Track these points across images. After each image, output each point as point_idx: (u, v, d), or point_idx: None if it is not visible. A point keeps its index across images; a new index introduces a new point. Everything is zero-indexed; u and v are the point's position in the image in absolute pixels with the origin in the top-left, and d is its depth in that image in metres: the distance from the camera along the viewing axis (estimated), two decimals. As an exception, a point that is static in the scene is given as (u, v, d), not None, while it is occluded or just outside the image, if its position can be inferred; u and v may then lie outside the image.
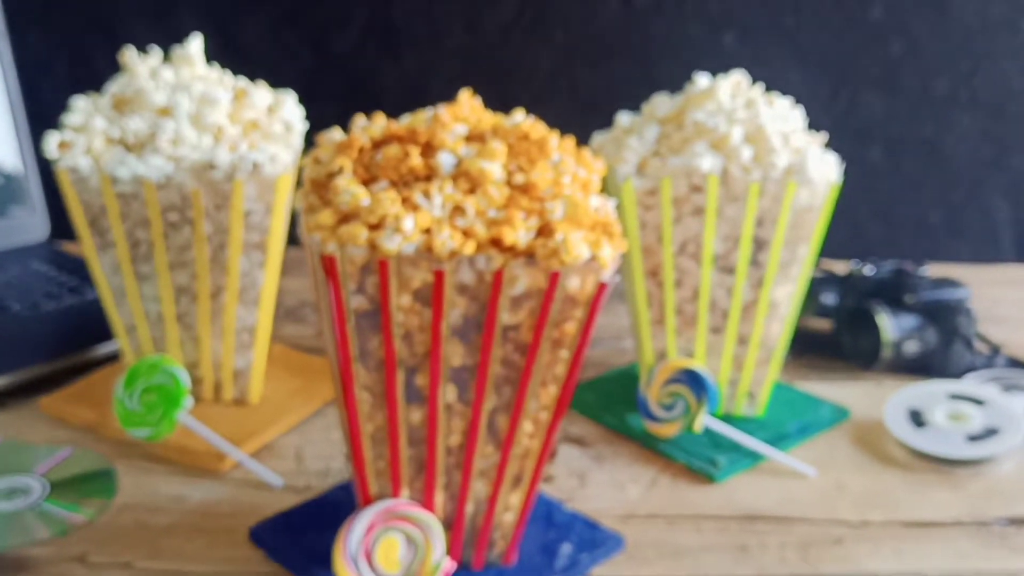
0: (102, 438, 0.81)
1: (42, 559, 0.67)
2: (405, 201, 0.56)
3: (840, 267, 1.04)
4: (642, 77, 1.20)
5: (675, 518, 0.74)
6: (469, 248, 0.55)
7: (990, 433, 0.82)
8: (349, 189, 0.56)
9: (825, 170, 0.77)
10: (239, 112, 0.75)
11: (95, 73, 1.15)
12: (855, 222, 1.27)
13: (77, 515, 0.71)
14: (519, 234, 0.56)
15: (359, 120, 0.63)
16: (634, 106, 0.86)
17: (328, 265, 0.55)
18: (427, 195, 0.56)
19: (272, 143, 0.75)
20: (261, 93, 0.78)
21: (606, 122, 0.86)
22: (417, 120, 0.60)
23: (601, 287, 0.57)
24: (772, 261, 0.78)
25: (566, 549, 0.68)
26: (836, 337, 1.02)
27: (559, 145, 0.60)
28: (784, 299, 0.81)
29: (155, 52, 0.76)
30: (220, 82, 0.77)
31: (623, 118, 0.85)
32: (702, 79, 0.81)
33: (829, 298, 1.04)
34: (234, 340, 0.80)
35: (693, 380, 0.80)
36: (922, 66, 1.20)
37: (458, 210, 0.56)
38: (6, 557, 0.66)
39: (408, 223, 0.55)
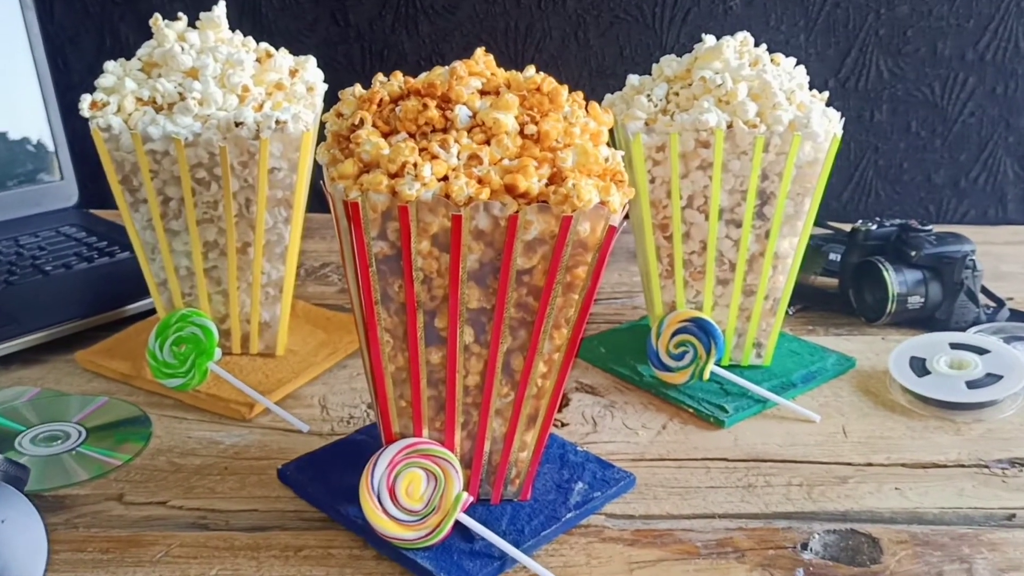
0: (136, 389, 0.84)
1: (81, 499, 0.70)
2: (423, 151, 0.59)
3: (847, 227, 1.06)
4: (652, 42, 1.22)
5: (684, 460, 0.77)
6: (485, 194, 0.58)
7: (992, 380, 0.84)
8: (370, 140, 0.59)
9: (827, 124, 0.79)
10: (263, 74, 0.78)
11: (120, 44, 1.19)
12: (861, 183, 1.29)
13: (114, 458, 0.75)
14: (532, 181, 0.59)
15: (379, 77, 0.66)
16: (643, 70, 0.88)
17: (352, 211, 0.58)
18: (444, 145, 0.59)
19: (295, 103, 0.78)
20: (283, 56, 0.81)
21: (618, 86, 0.89)
22: (434, 75, 0.63)
23: (610, 231, 0.60)
24: (777, 213, 0.81)
25: (579, 487, 0.71)
26: (842, 293, 1.05)
27: (569, 98, 0.63)
28: (789, 251, 0.84)
29: (182, 17, 0.80)
30: (244, 45, 0.80)
31: (633, 78, 0.88)
32: (709, 38, 0.83)
33: (835, 255, 1.06)
34: (260, 294, 0.83)
35: (701, 329, 0.83)
36: (929, 26, 1.22)
37: (474, 159, 0.59)
38: (48, 497, 0.70)
39: (427, 170, 0.58)
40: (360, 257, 0.60)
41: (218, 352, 0.80)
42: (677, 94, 0.82)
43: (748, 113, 0.78)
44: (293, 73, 0.80)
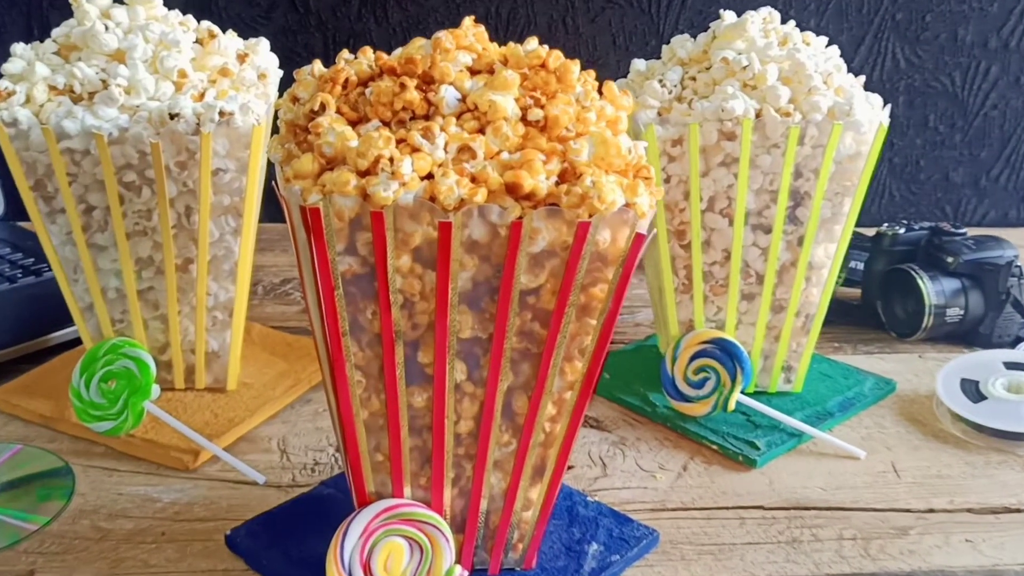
0: (59, 434, 0.71)
1: (-16, 576, 0.57)
2: (401, 143, 0.47)
3: (865, 231, 0.95)
4: (648, 29, 1.11)
5: (713, 510, 0.65)
6: (480, 196, 0.46)
7: (1057, 405, 0.73)
8: (334, 129, 0.47)
9: (871, 111, 0.68)
10: (205, 58, 0.66)
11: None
12: (874, 183, 1.18)
13: (28, 522, 0.62)
14: (539, 179, 0.47)
15: (344, 54, 0.54)
16: (644, 57, 0.77)
17: (311, 220, 0.46)
18: (428, 135, 0.47)
19: (244, 92, 0.66)
20: (231, 39, 0.68)
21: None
22: (413, 49, 0.51)
23: (637, 240, 0.48)
24: (813, 217, 0.70)
25: (594, 548, 0.59)
26: (867, 304, 0.93)
27: (581, 76, 0.51)
28: (825, 260, 0.72)
29: (106, -10, 0.67)
30: (183, 24, 0.67)
31: (638, 63, 0.76)
32: (728, 14, 0.72)
33: (857, 263, 0.95)
34: (206, 319, 0.70)
35: (724, 352, 0.71)
36: (950, 10, 1.11)
37: (465, 151, 0.47)
38: (-58, 575, 0.57)
39: (406, 167, 0.45)
40: (323, 277, 0.47)
41: (155, 389, 0.67)
42: (694, 79, 0.70)
43: (780, 99, 0.66)
44: (242, 58, 0.68)
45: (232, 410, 0.72)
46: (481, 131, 0.48)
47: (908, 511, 0.65)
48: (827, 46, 0.73)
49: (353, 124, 0.49)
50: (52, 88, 0.62)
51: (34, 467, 0.67)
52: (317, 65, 0.51)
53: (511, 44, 0.51)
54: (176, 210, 0.65)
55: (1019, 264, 0.88)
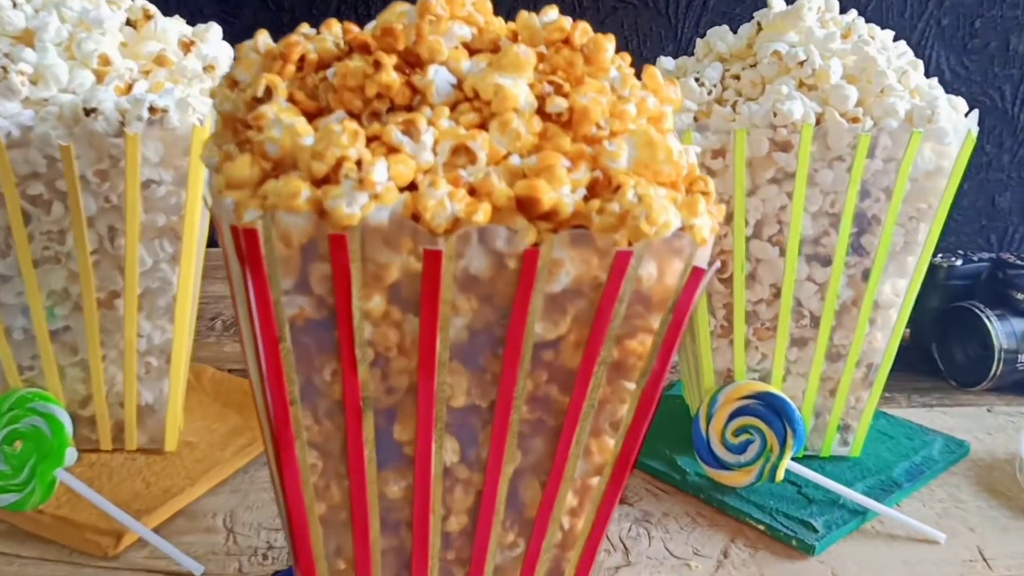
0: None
1: None
2: (374, 140, 0.34)
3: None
4: (665, 32, 0.98)
5: (765, 611, 0.52)
6: (481, 215, 0.33)
7: None
8: (280, 120, 0.34)
9: (956, 118, 0.55)
10: (138, 44, 0.53)
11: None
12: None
13: None
14: (562, 191, 0.34)
15: (302, 28, 0.41)
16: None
17: (246, 245, 0.33)
18: (410, 130, 0.34)
19: (186, 85, 0.53)
20: (174, 22, 0.56)
21: None
22: (392, 16, 0.38)
23: (695, 276, 0.35)
24: (882, 246, 0.57)
25: (621, 672, 0.46)
26: (920, 346, 0.81)
27: (615, 58, 0.38)
28: (894, 299, 0.59)
29: (14, -43, 0.54)
30: (112, 2, 0.54)
31: (665, 61, 0.63)
32: (777, 2, 0.59)
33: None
34: (138, 366, 0.57)
35: (771, 410, 0.59)
36: (1001, 16, 1.00)
37: (462, 153, 0.34)
38: None
39: (378, 173, 0.33)
40: (263, 325, 0.34)
41: (71, 454, 0.54)
42: (737, 77, 0.58)
43: (847, 101, 0.54)
44: (186, 46, 0.55)
45: (169, 477, 0.59)
46: (483, 126, 0.36)
47: (1007, 614, 0.52)
48: (894, 40, 0.61)
49: (310, 116, 0.36)
50: (-64, 77, 0.49)
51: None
52: (262, 38, 0.38)
53: (523, 13, 0.38)
54: (96, 232, 0.52)
55: (1102, 303, 0.75)
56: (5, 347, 0.55)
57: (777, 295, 0.59)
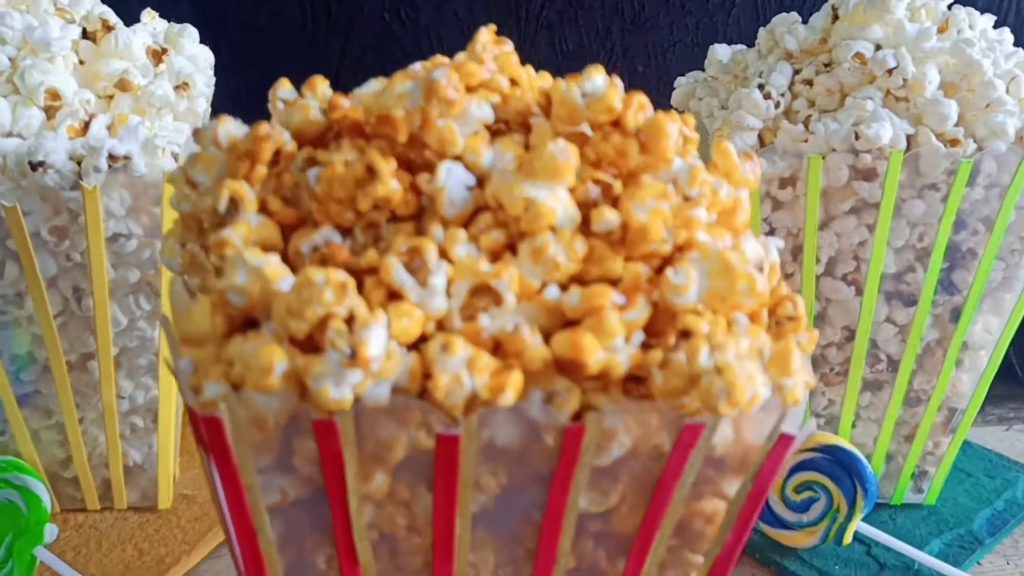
0: (-78, 579, 0.52)
1: None
2: (366, 273, 0.26)
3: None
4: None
5: None
6: (511, 392, 0.25)
7: None
8: (245, 262, 0.26)
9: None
10: (97, 62, 0.45)
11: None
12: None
13: None
14: (615, 345, 0.26)
15: (280, 90, 0.32)
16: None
17: (208, 434, 0.26)
18: (417, 267, 0.26)
19: (154, 116, 0.44)
20: (142, 29, 0.47)
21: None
22: (392, 95, 0.29)
23: (783, 442, 0.28)
24: (977, 283, 0.49)
25: None
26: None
27: (680, 140, 0.29)
28: (986, 338, 0.51)
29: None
30: (62, 12, 0.46)
31: (719, 51, 0.54)
32: (857, -14, 0.50)
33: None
34: (121, 426, 0.50)
35: (840, 466, 0.51)
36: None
37: (484, 292, 0.26)
38: None
39: (375, 342, 0.25)
40: (236, 517, 0.27)
41: (50, 530, 0.48)
42: (809, 82, 0.49)
43: (947, 119, 0.45)
44: (157, 56, 0.46)
45: (164, 543, 0.53)
46: (510, 245, 0.28)
47: None
48: (995, 27, 0.51)
49: (288, 229, 0.28)
50: None
51: None
52: (224, 127, 0.30)
53: (559, 85, 0.29)
54: (60, 292, 0.45)
55: None
56: (-32, 414, 0.49)
57: (850, 338, 0.51)
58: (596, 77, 0.30)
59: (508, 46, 0.32)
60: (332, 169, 0.28)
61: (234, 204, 0.28)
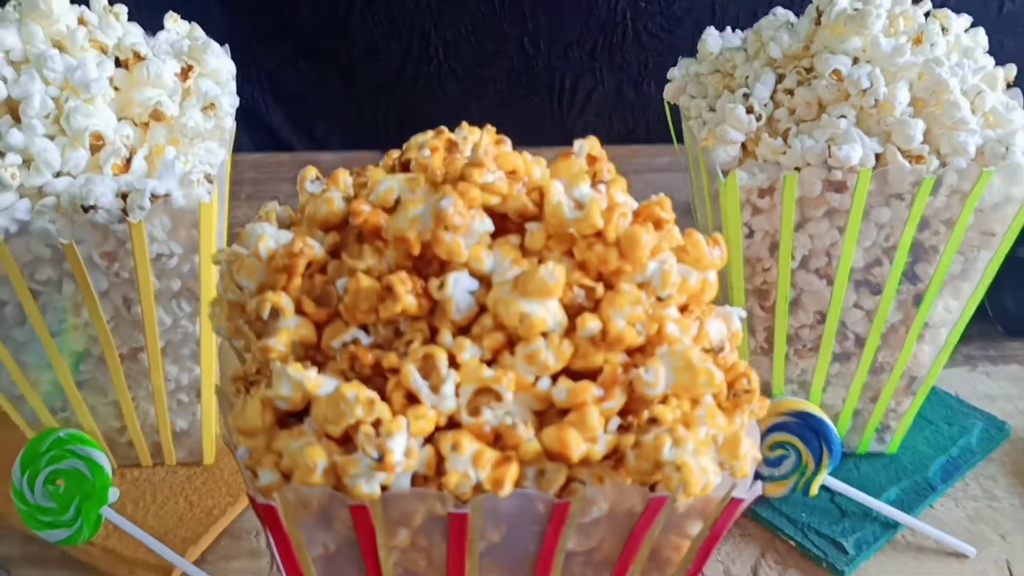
0: (6, 529, 0.59)
1: None
2: (393, 373, 0.32)
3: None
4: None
5: (791, 649, 0.54)
6: (510, 481, 0.31)
7: None
8: (289, 376, 0.31)
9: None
10: (130, 91, 0.48)
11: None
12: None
13: None
14: (596, 436, 0.32)
15: (306, 181, 0.37)
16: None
17: (265, 516, 0.32)
18: (431, 374, 0.32)
19: (186, 146, 0.49)
20: (165, 57, 0.50)
21: None
22: (404, 223, 0.33)
23: (733, 504, 0.34)
24: (937, 275, 0.54)
25: None
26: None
27: (654, 236, 0.34)
28: (946, 317, 0.57)
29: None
30: (94, 42, 0.49)
31: (711, 42, 0.57)
32: (840, -7, 0.52)
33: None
34: (168, 402, 0.57)
35: (809, 429, 0.58)
36: None
37: (485, 396, 0.32)
38: None
39: (398, 448, 0.30)
40: (288, 568, 0.34)
41: (113, 493, 0.55)
42: (791, 92, 0.52)
43: (912, 139, 0.49)
44: (184, 74, 0.50)
45: (211, 495, 0.60)
46: (510, 343, 0.33)
47: (1029, 651, 0.53)
48: (969, 29, 0.54)
49: (321, 325, 0.34)
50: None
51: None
52: (263, 244, 0.34)
53: (551, 196, 0.34)
54: (112, 302, 0.50)
55: None
56: (34, 396, 0.55)
57: (821, 320, 0.56)
58: (583, 184, 0.35)
59: (506, 144, 0.37)
60: (357, 282, 0.33)
61: (275, 312, 0.33)
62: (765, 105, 0.52)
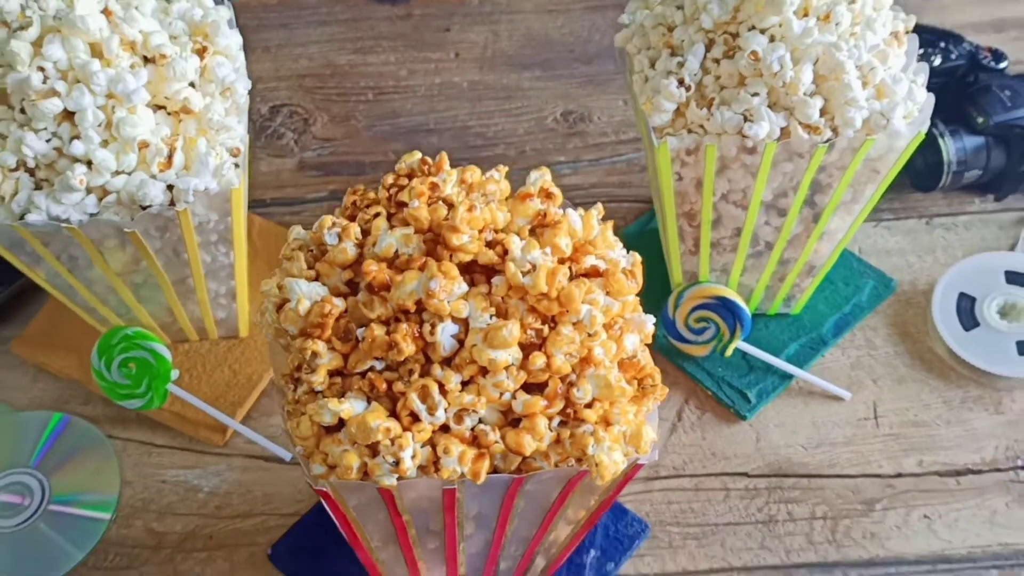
0: (92, 394, 0.75)
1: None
2: (401, 396, 0.46)
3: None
4: None
5: (702, 477, 0.71)
6: (484, 472, 0.46)
7: (1045, 338, 0.75)
8: (329, 408, 0.45)
9: (911, 121, 0.61)
10: (161, 85, 0.58)
11: None
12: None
13: (97, 512, 0.69)
14: (544, 437, 0.47)
15: (325, 231, 0.49)
16: None
17: (323, 497, 0.47)
18: (427, 399, 0.46)
19: (213, 136, 0.59)
20: (190, 57, 0.59)
21: None
22: (403, 295, 0.46)
23: (635, 470, 0.49)
24: (832, 202, 0.66)
25: (592, 557, 0.67)
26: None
27: (588, 292, 0.47)
28: (841, 227, 0.69)
29: (31, 20, 0.56)
30: (128, 47, 0.58)
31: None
32: (762, -33, 0.60)
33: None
34: (211, 306, 0.71)
35: (727, 309, 0.73)
36: None
37: (467, 411, 0.46)
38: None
39: (408, 457, 0.45)
40: (351, 538, 0.50)
41: (175, 373, 0.70)
42: (717, 61, 0.62)
43: (811, 115, 0.60)
44: (200, 53, 0.59)
45: (249, 363, 0.75)
46: (482, 372, 0.47)
47: (878, 476, 0.71)
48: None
49: (345, 355, 0.47)
50: (4, 167, 0.56)
51: (84, 447, 0.72)
52: (303, 306, 0.47)
53: (510, 268, 0.46)
54: (164, 254, 0.63)
55: (1051, 127, 0.83)
56: (103, 307, 0.68)
57: (737, 234, 0.69)
58: (534, 252, 0.47)
59: (477, 211, 0.48)
60: (372, 332, 0.46)
61: (314, 355, 0.46)
62: (695, 75, 0.61)
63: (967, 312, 0.77)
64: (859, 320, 0.79)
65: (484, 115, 0.95)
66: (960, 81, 0.86)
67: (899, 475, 0.71)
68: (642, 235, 0.84)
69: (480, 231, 0.47)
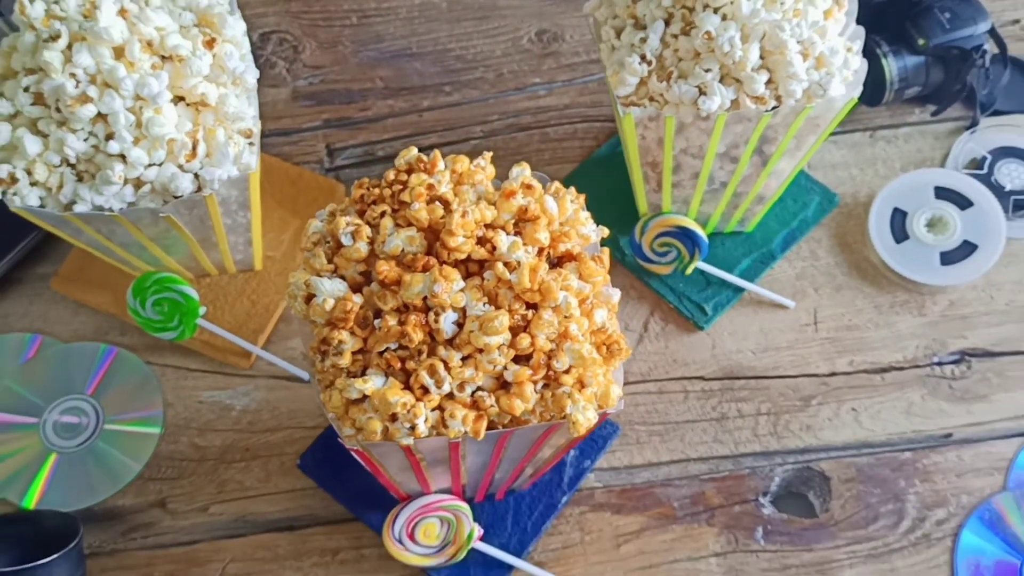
0: (129, 326, 0.85)
1: (127, 509, 0.78)
2: (412, 372, 0.56)
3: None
4: None
5: (665, 382, 0.83)
6: (482, 430, 0.57)
7: (966, 251, 0.86)
8: (355, 387, 0.56)
9: (846, 86, 0.69)
10: (178, 80, 0.65)
11: None
12: None
13: (148, 428, 0.80)
14: (530, 401, 0.57)
15: (340, 231, 0.58)
16: None
17: (358, 455, 0.58)
18: (434, 376, 0.56)
19: (230, 125, 0.66)
20: (204, 55, 0.65)
21: None
22: (411, 294, 0.55)
23: (603, 418, 0.60)
24: (779, 151, 0.75)
25: (571, 456, 0.79)
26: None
27: (559, 278, 0.56)
28: (788, 168, 0.78)
29: (60, 33, 0.62)
30: (148, 46, 0.64)
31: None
32: (716, -52, 0.67)
33: None
34: (231, 255, 0.80)
35: (688, 237, 0.82)
36: None
37: (465, 382, 0.57)
38: (95, 510, 0.78)
39: (421, 422, 0.56)
40: (376, 474, 0.61)
41: (202, 309, 0.80)
42: (676, 36, 0.69)
43: (757, 89, 0.68)
44: (209, 44, 0.66)
45: (266, 293, 0.85)
46: (478, 351, 0.57)
47: (815, 376, 0.83)
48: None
49: (365, 340, 0.57)
50: (49, 166, 0.64)
51: (129, 374, 0.83)
52: (329, 306, 0.56)
53: (499, 269, 0.55)
54: (191, 225, 0.71)
55: (985, 48, 0.90)
56: (135, 259, 0.77)
57: (696, 176, 0.78)
58: (518, 251, 0.56)
59: (470, 219, 0.56)
60: (386, 322, 0.56)
61: (340, 343, 0.56)
62: (656, 50, 0.69)
63: (899, 225, 0.87)
64: (805, 234, 0.89)
65: (463, 36, 1.00)
66: (904, 1, 0.92)
67: (833, 374, 0.83)
68: (612, 157, 0.92)
69: (471, 232, 0.57)
